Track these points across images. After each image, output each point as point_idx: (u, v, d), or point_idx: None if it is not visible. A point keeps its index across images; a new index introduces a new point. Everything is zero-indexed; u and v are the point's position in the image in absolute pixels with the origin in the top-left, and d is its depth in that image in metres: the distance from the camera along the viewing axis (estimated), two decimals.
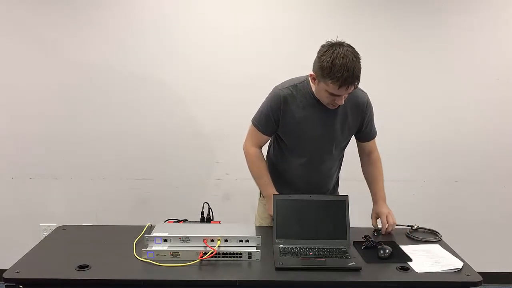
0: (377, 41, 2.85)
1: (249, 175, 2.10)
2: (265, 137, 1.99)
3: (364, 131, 2.01)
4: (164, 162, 2.98)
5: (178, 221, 1.94)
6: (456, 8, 2.83)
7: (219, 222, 1.95)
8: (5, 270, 1.53)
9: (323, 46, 1.75)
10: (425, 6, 2.82)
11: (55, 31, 2.80)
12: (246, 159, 2.03)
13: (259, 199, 2.20)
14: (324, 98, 1.80)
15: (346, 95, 1.78)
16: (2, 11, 2.77)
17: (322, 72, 1.70)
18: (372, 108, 2.00)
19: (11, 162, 2.96)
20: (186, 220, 1.97)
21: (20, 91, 2.87)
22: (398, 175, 3.01)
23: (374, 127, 2.05)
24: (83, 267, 1.56)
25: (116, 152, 2.96)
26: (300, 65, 1.93)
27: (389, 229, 1.94)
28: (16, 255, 1.66)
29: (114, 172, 2.98)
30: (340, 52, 1.67)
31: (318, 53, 1.75)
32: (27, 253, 1.69)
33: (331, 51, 1.69)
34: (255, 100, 2.02)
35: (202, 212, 1.99)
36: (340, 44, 1.72)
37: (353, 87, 1.71)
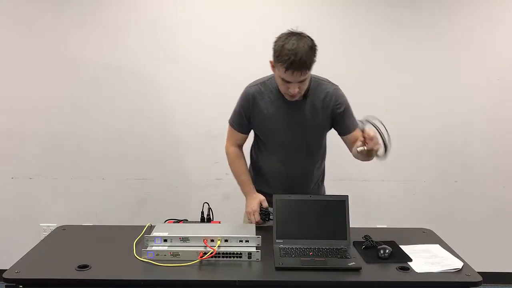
0: (376, 41, 2.85)
1: None
2: (241, 135, 2.02)
3: (342, 123, 1.95)
4: (164, 162, 2.98)
5: (178, 221, 1.94)
6: (456, 8, 2.83)
7: (219, 222, 1.95)
8: (5, 270, 1.53)
9: (281, 33, 1.77)
10: (425, 6, 2.82)
11: (56, 30, 2.80)
12: (227, 159, 2.07)
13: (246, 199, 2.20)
14: (280, 85, 1.82)
15: (298, 84, 1.74)
16: (5, 9, 2.77)
17: (274, 56, 1.73)
18: (345, 99, 1.94)
19: (11, 162, 2.96)
20: (186, 220, 1.97)
21: (20, 91, 2.87)
22: (398, 175, 3.01)
23: (354, 118, 1.97)
24: (83, 267, 1.56)
25: (116, 152, 2.96)
26: None
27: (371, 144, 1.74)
28: (16, 255, 1.66)
29: (114, 172, 2.98)
30: (293, 39, 1.69)
31: (275, 39, 1.77)
32: (27, 253, 1.69)
33: (286, 37, 1.72)
34: None
35: (202, 212, 1.99)
36: (298, 34, 1.73)
37: (300, 74, 1.69)
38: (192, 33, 2.83)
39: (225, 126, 2.93)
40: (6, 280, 1.50)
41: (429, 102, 2.94)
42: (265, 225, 2.12)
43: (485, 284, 1.55)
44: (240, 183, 2.05)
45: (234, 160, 2.05)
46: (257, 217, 1.93)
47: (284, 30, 2.46)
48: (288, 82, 1.74)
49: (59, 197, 3.00)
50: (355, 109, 1.98)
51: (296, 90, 1.76)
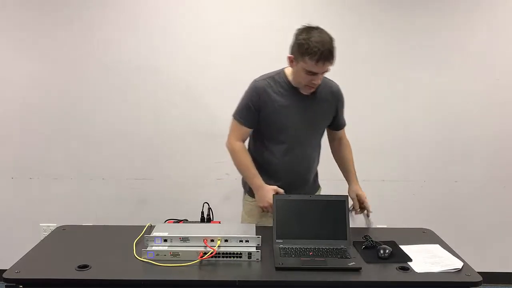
0: (377, 41, 2.85)
1: None
2: (247, 130, 2.04)
3: (337, 119, 2.11)
4: (164, 162, 2.98)
5: (178, 221, 1.94)
6: (456, 8, 2.83)
7: (219, 222, 1.95)
8: (5, 270, 1.53)
9: (298, 29, 1.85)
10: (425, 6, 2.82)
11: (55, 30, 2.80)
12: (232, 155, 2.06)
13: (243, 198, 2.21)
14: (301, 79, 1.88)
15: (322, 76, 1.87)
16: (6, 10, 2.78)
17: (300, 50, 1.79)
18: (343, 97, 2.10)
19: (11, 162, 2.96)
20: (186, 220, 1.97)
21: (20, 91, 2.87)
22: (398, 175, 3.02)
23: (343, 117, 2.15)
24: (83, 267, 1.56)
25: (116, 152, 2.96)
26: None
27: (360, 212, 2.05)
28: (16, 255, 1.66)
29: (114, 172, 2.98)
30: (316, 32, 1.80)
31: (294, 35, 1.85)
32: (27, 253, 1.69)
33: (307, 31, 1.81)
34: None
35: (202, 212, 1.99)
36: (316, 28, 1.83)
37: (329, 64, 1.81)
38: (194, 32, 2.83)
39: (226, 126, 2.94)
40: (6, 280, 1.50)
41: (429, 102, 2.94)
42: (265, 225, 2.12)
43: (485, 284, 1.55)
44: (249, 176, 2.03)
45: (241, 154, 2.03)
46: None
47: (284, 29, 2.46)
48: (314, 74, 1.82)
49: (59, 197, 3.00)
50: (354, 110, 2.00)
51: (320, 80, 1.87)
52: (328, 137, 2.20)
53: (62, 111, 2.90)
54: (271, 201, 1.91)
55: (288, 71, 1.97)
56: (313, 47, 1.75)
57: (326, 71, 1.84)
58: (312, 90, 1.93)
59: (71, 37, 2.81)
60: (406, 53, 2.88)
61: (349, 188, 2.13)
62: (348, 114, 2.16)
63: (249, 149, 2.14)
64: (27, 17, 2.78)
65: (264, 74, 2.01)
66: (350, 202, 2.00)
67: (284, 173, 2.04)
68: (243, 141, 2.07)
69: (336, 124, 2.13)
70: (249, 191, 2.14)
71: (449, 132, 2.98)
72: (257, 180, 2.00)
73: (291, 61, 1.88)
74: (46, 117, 2.90)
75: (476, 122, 2.97)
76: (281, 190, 1.98)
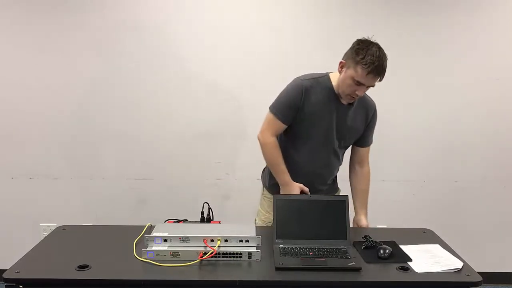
0: (376, 41, 2.84)
1: (249, 174, 2.10)
2: (283, 125, 2.02)
3: (364, 136, 2.11)
4: (164, 162, 2.98)
5: (178, 221, 1.94)
6: (457, 8, 2.83)
7: (219, 222, 1.95)
8: (5, 270, 1.53)
9: (358, 39, 1.89)
10: (425, 6, 2.82)
11: (54, 30, 2.80)
12: (263, 148, 2.06)
13: (262, 194, 2.24)
14: (346, 87, 1.89)
15: (366, 89, 1.89)
16: (11, 11, 2.78)
17: (356, 57, 1.81)
18: (377, 117, 2.11)
19: (11, 162, 2.96)
20: (186, 220, 1.96)
21: (20, 91, 2.87)
22: (398, 175, 3.02)
23: (372, 136, 2.15)
24: (83, 267, 1.56)
25: (116, 152, 2.96)
26: (303, 65, 1.93)
27: None
28: (16, 255, 1.66)
29: (114, 172, 2.98)
30: (375, 47, 1.83)
31: (353, 44, 1.89)
32: (27, 253, 1.69)
33: (367, 43, 1.85)
34: (255, 100, 2.04)
35: (202, 212, 1.99)
36: (376, 43, 1.87)
37: (378, 80, 1.84)
38: (191, 34, 2.83)
39: (226, 126, 2.96)
40: (6, 280, 1.49)
41: (429, 102, 2.94)
42: (265, 225, 2.13)
43: (485, 284, 1.55)
44: (279, 172, 2.05)
45: (273, 149, 2.04)
46: None
47: (284, 31, 2.49)
48: (361, 84, 1.85)
49: (59, 197, 3.00)
50: None
51: (363, 93, 1.90)
52: (351, 157, 2.19)
53: (62, 111, 2.90)
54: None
55: (333, 76, 1.98)
56: (369, 58, 1.78)
57: (372, 85, 1.87)
58: (353, 100, 1.95)
59: (71, 37, 2.81)
60: (405, 54, 2.87)
61: (354, 217, 2.15)
62: None
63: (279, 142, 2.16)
64: (27, 16, 2.78)
65: (308, 74, 2.01)
66: None
67: (305, 173, 2.06)
68: (277, 135, 2.06)
69: (362, 140, 2.12)
70: (268, 187, 2.17)
71: (449, 132, 2.98)
72: (286, 176, 2.03)
73: (342, 66, 1.89)
74: (46, 117, 2.90)
75: (476, 122, 2.97)
76: (306, 189, 2.02)
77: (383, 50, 1.84)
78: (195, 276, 1.54)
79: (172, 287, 1.54)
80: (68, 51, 2.83)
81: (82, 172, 2.98)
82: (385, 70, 1.82)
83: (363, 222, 2.10)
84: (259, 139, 2.06)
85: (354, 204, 2.15)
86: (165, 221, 1.94)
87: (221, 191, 2.99)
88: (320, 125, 2.00)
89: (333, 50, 2.23)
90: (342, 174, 2.21)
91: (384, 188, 2.97)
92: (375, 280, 1.55)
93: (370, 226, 2.12)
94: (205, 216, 1.99)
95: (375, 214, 2.09)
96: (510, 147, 3.00)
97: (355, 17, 2.81)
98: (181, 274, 1.54)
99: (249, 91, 2.86)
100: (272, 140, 2.04)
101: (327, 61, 2.05)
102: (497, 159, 3.01)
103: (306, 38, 2.80)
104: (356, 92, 1.88)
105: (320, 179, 2.11)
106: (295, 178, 2.04)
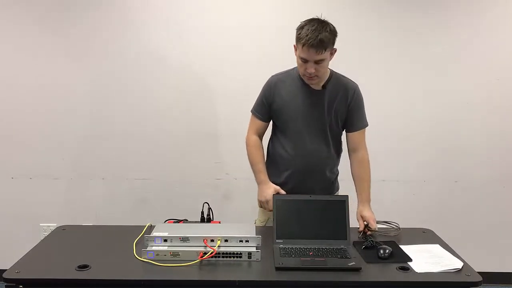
0: (376, 41, 2.85)
1: (249, 175, 2.11)
2: (262, 123, 2.10)
3: (350, 119, 2.05)
4: (164, 162, 2.98)
5: (178, 221, 1.94)
6: (457, 8, 2.83)
7: (219, 222, 1.95)
8: (5, 270, 1.53)
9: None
10: (425, 6, 2.82)
11: (55, 30, 2.80)
12: (246, 148, 2.13)
13: None
14: (299, 67, 1.92)
15: (315, 65, 1.85)
16: (11, 11, 2.78)
17: (296, 36, 1.86)
18: (361, 99, 2.07)
19: (11, 162, 2.96)
20: (186, 220, 1.97)
21: (20, 91, 2.87)
22: (398, 175, 3.01)
23: (364, 119, 2.09)
24: (83, 267, 1.56)
25: (116, 152, 2.96)
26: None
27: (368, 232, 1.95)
28: (16, 255, 1.66)
29: (114, 172, 2.98)
30: (315, 21, 1.85)
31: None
32: (27, 253, 1.69)
33: (309, 21, 1.86)
34: (255, 100, 2.05)
35: (202, 212, 1.99)
36: (321, 20, 1.87)
37: (315, 52, 1.81)
38: (194, 33, 2.82)
39: (226, 126, 2.96)
40: (6, 280, 1.50)
41: (429, 102, 2.94)
42: (265, 224, 2.13)
43: (485, 284, 1.55)
44: (255, 171, 2.09)
45: (252, 148, 2.11)
46: (270, 206, 1.94)
47: (285, 31, 2.46)
48: (306, 61, 1.85)
49: (59, 197, 3.00)
50: None
51: (313, 69, 1.86)
52: (347, 143, 2.13)
53: (62, 111, 2.89)
54: (268, 197, 1.96)
55: None
56: (303, 33, 1.81)
57: (319, 60, 1.84)
58: (313, 81, 1.94)
59: (71, 37, 2.81)
60: (405, 54, 2.87)
61: (357, 208, 2.07)
62: None
63: (268, 147, 2.20)
64: (27, 16, 2.78)
65: (284, 70, 2.07)
66: None
67: (294, 166, 2.05)
68: (260, 135, 2.13)
69: (349, 124, 2.07)
70: None
71: (449, 132, 2.98)
72: (262, 175, 2.06)
73: (295, 49, 1.92)
74: (46, 117, 2.90)
75: (476, 122, 2.96)
76: (282, 191, 2.00)
77: (325, 24, 1.83)
78: (195, 276, 1.54)
79: (172, 287, 1.55)
80: (68, 51, 2.83)
81: (82, 172, 2.98)
82: (322, 42, 1.79)
83: (364, 213, 1.99)
84: (245, 140, 2.13)
85: (357, 194, 2.08)
86: (165, 221, 1.94)
87: (221, 191, 2.99)
88: (297, 114, 2.00)
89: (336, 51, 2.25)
90: (343, 174, 2.20)
91: (384, 188, 2.96)
92: (375, 280, 1.55)
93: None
94: (205, 216, 1.99)
95: (376, 214, 2.08)
96: (510, 147, 3.00)
97: (356, 17, 2.81)
98: (181, 274, 1.54)
99: (249, 92, 2.85)
100: (253, 139, 2.11)
101: (330, 61, 2.04)
102: (497, 159, 3.01)
103: None
104: (307, 70, 1.87)
105: (310, 171, 2.05)
106: (290, 176, 2.05)
